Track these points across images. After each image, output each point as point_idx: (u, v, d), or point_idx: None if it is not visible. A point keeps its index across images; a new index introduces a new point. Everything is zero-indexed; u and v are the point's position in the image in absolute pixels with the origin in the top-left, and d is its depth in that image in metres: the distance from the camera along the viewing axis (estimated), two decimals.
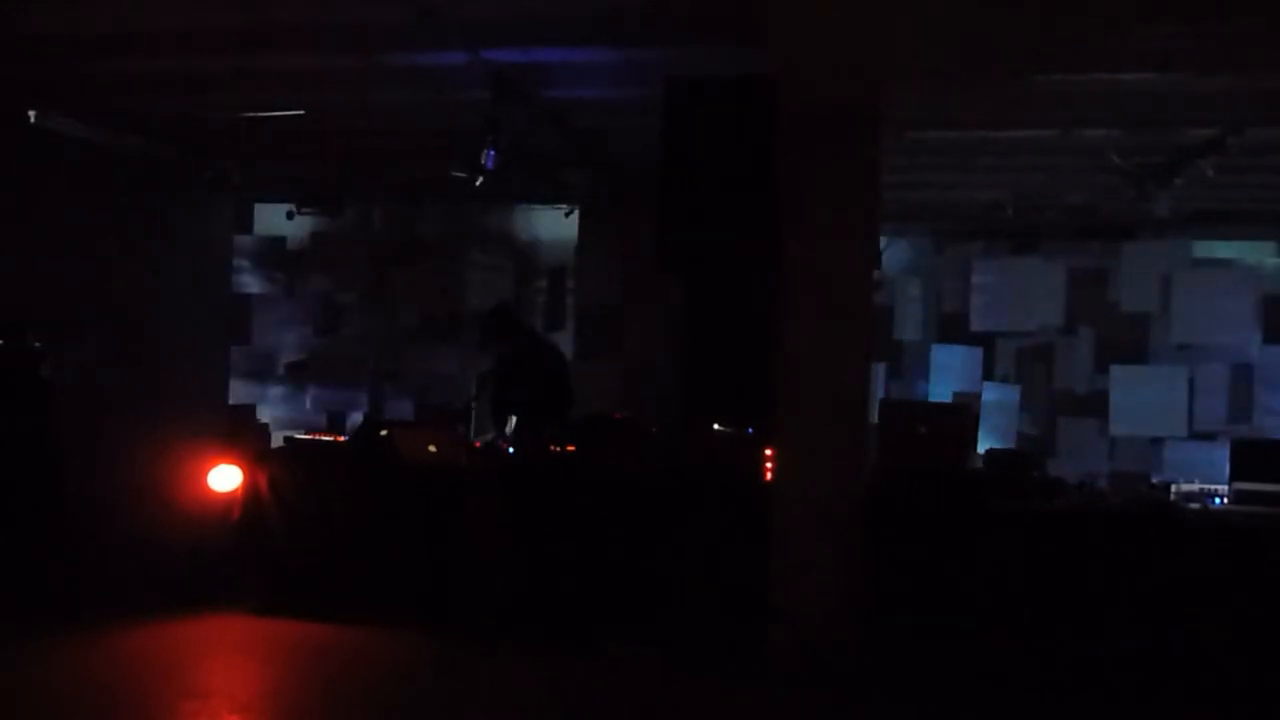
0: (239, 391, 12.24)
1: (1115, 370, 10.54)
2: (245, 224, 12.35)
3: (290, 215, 11.95)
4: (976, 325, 10.79)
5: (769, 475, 5.99)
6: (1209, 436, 10.17)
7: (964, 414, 7.04)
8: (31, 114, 7.98)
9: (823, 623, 5.63)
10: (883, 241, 9.80)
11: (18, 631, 6.05)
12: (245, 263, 12.10)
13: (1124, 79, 6.69)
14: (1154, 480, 7.48)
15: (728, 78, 5.74)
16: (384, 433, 6.79)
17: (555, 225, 10.96)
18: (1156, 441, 10.43)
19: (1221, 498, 5.87)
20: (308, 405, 11.81)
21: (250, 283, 12.13)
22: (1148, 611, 5.49)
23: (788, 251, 5.73)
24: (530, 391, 6.82)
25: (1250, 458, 6.11)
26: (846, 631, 5.64)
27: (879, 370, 10.37)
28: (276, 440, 10.37)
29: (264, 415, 12.07)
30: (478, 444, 6.91)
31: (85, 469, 8.56)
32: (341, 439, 7.29)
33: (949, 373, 10.87)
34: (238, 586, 6.64)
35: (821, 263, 5.74)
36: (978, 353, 10.90)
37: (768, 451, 6.03)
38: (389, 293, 11.93)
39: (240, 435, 10.43)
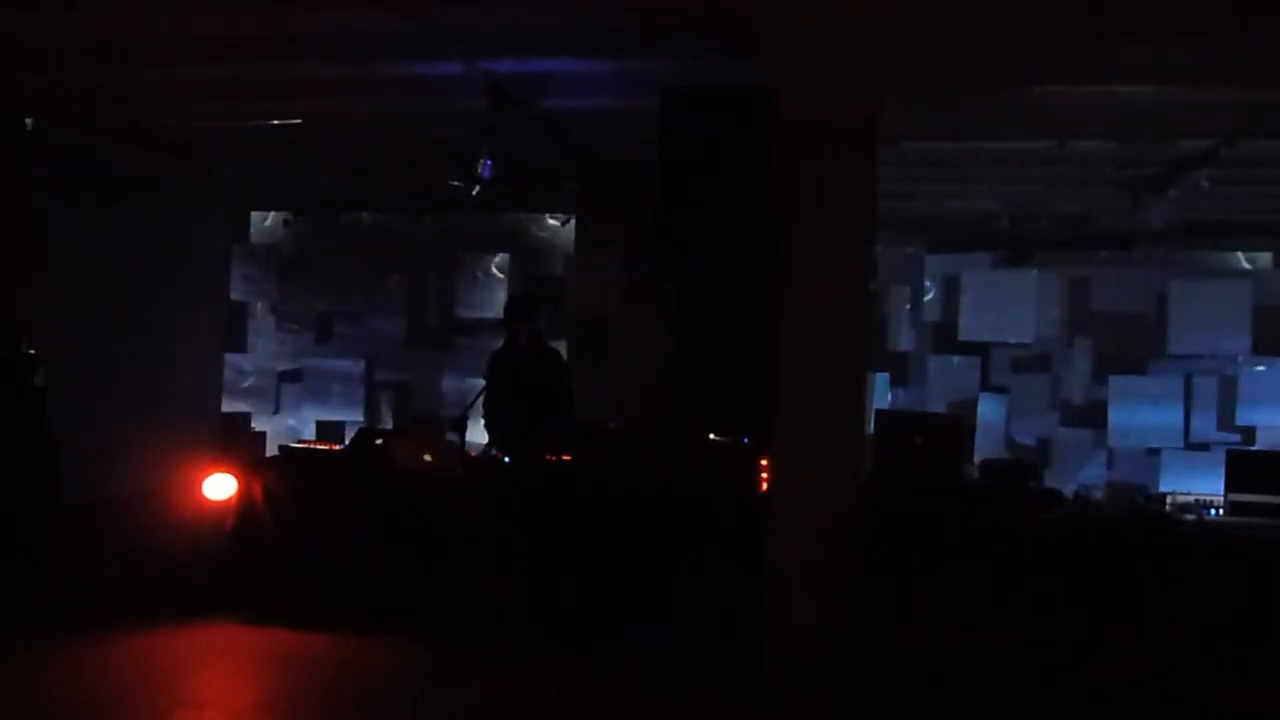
0: (234, 399, 12.23)
1: (1112, 381, 10.54)
2: (240, 232, 12.35)
3: (286, 223, 11.98)
4: (971, 335, 10.79)
5: (765, 485, 5.99)
6: (1204, 448, 10.18)
7: (959, 425, 7.03)
8: (27, 121, 7.99)
9: (819, 632, 5.63)
10: (878, 251, 9.83)
11: (10, 638, 6.03)
12: (240, 271, 12.09)
13: (1118, 90, 6.72)
14: (1150, 491, 7.49)
15: (725, 88, 5.75)
16: (379, 441, 6.78)
17: (551, 234, 10.99)
18: (1153, 452, 10.43)
19: (1217, 509, 5.87)
20: (303, 413, 11.80)
21: (246, 291, 12.11)
22: (1143, 620, 5.48)
23: (783, 261, 5.74)
24: (530, 392, 6.96)
25: (1245, 469, 6.11)
26: (842, 641, 5.63)
27: (876, 380, 10.36)
28: (271, 448, 10.37)
29: (259, 423, 12.08)
30: (474, 453, 6.91)
31: (79, 477, 8.54)
32: (336, 447, 7.28)
33: (945, 383, 10.86)
34: (232, 595, 6.61)
35: (817, 272, 5.75)
36: (973, 362, 10.90)
37: (764, 461, 6.03)
38: (384, 301, 11.93)
39: (235, 443, 10.44)
